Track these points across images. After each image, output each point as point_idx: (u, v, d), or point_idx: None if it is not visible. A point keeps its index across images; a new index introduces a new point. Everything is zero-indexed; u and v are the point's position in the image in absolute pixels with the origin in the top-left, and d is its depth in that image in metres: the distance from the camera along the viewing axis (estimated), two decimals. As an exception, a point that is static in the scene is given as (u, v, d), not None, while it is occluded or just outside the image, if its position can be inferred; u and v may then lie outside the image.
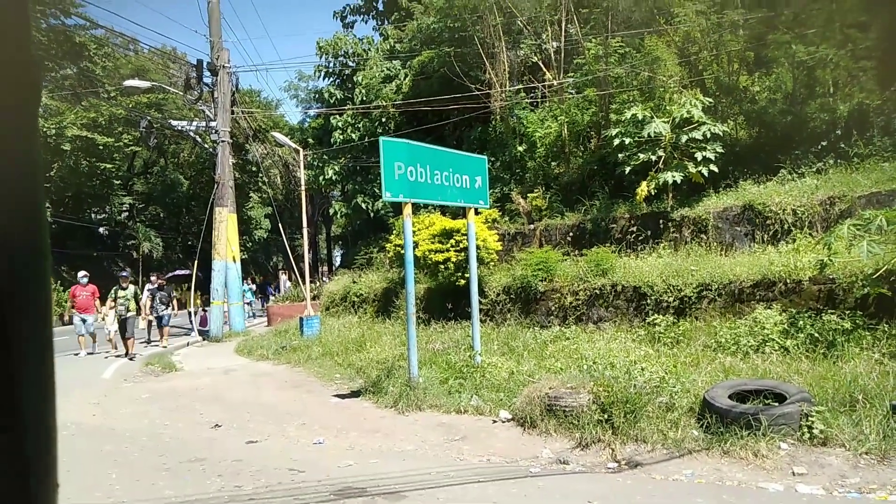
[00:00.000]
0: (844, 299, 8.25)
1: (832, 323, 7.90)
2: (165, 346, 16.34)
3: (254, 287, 31.15)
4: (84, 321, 15.09)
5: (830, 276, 8.43)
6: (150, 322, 17.02)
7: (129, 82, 19.95)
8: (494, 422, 7.25)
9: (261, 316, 26.78)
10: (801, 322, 8.18)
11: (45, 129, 27.49)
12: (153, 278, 17.28)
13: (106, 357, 14.66)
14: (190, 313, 20.72)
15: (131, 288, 14.63)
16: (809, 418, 5.58)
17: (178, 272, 26.59)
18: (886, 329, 7.55)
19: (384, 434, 7.12)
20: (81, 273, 15.39)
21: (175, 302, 20.96)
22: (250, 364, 13.18)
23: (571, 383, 6.88)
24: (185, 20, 72.99)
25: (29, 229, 0.56)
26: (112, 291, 14.58)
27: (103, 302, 15.45)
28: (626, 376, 7.20)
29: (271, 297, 30.24)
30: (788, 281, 8.93)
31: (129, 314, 14.23)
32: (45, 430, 0.62)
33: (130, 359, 14.03)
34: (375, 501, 4.99)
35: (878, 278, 7.56)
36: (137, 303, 14.63)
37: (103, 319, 15.54)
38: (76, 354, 14.96)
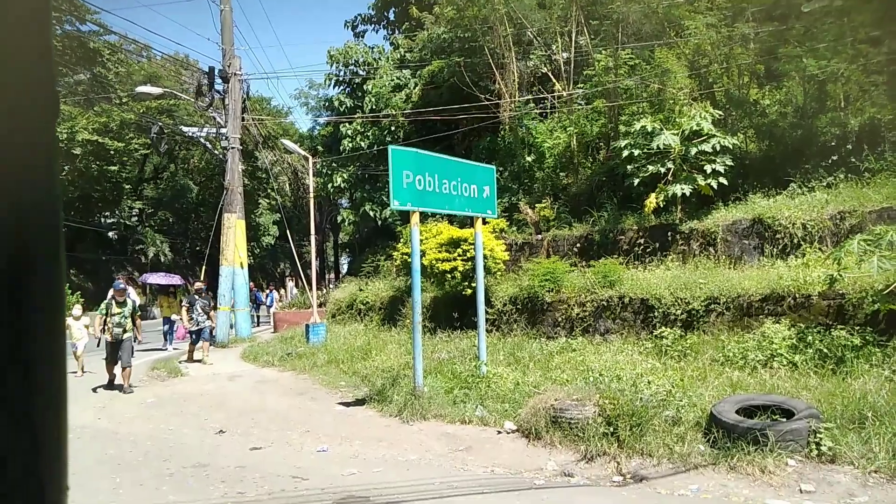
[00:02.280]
0: (854, 315, 8.17)
1: (841, 339, 7.83)
2: (209, 362, 14.05)
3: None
4: None
5: (840, 292, 8.36)
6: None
7: (140, 88, 20.12)
8: (499, 433, 7.21)
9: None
10: (809, 337, 8.11)
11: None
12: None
13: (95, 390, 11.06)
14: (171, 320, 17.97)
15: (130, 302, 11.08)
16: (818, 435, 5.52)
17: (162, 279, 21.80)
18: (897, 346, 7.48)
19: (388, 443, 7.09)
20: None
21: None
22: (255, 370, 13.18)
23: (577, 395, 6.84)
24: (198, 27, 73.63)
25: (46, 229, 0.59)
26: (103, 306, 11.12)
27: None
28: (632, 389, 7.16)
29: (267, 308, 27.39)
30: (797, 295, 8.86)
31: (125, 335, 10.81)
32: (56, 430, 0.62)
33: (125, 391, 10.75)
34: (378, 511, 4.97)
35: (888, 294, 7.49)
36: (135, 321, 11.13)
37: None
38: None
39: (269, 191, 38.48)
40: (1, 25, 0.52)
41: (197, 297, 14.37)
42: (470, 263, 12.44)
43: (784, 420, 5.83)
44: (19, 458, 0.59)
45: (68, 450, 0.64)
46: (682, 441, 6.05)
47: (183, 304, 14.52)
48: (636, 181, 12.60)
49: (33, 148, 0.55)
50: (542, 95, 18.25)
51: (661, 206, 12.39)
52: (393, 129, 22.37)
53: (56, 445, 0.63)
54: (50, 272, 0.58)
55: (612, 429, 6.28)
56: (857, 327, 7.95)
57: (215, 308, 15.94)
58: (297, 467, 6.23)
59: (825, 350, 7.85)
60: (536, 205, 15.54)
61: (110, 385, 11.13)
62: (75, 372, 12.20)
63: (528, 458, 6.36)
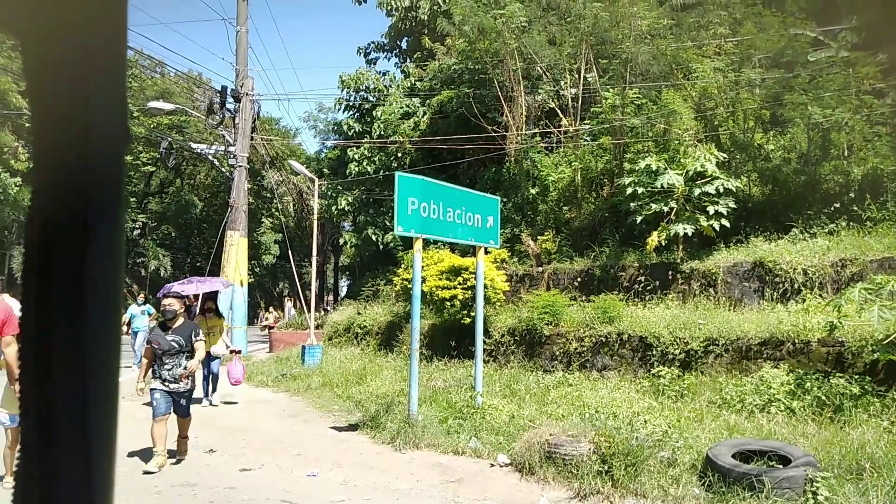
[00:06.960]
0: (853, 363, 8.14)
1: (840, 387, 7.79)
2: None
3: (145, 310, 17.02)
4: None
5: (840, 339, 8.34)
6: None
7: (153, 103, 20.35)
8: (492, 465, 7.13)
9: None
10: (808, 384, 8.07)
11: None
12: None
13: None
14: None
15: None
16: (814, 484, 5.45)
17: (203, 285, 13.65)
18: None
19: (380, 470, 7.01)
20: None
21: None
22: (249, 390, 13.08)
23: (572, 431, 6.78)
24: (213, 47, 74.65)
25: (111, 237, 0.56)
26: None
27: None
28: (628, 427, 7.09)
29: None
30: (797, 341, 8.84)
31: None
32: (108, 449, 0.54)
33: None
34: (366, 540, 4.89)
35: (888, 344, 7.47)
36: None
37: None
38: None
39: (273, 210, 38.64)
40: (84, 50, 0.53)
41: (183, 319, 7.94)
42: (470, 292, 12.43)
43: (781, 467, 5.76)
44: (71, 486, 0.50)
45: (114, 472, 0.54)
46: (676, 483, 5.97)
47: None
48: (639, 219, 12.66)
49: (107, 175, 0.55)
50: (548, 130, 18.43)
51: (663, 244, 12.42)
52: (400, 155, 22.56)
53: (107, 467, 0.53)
54: (107, 304, 0.55)
55: (606, 467, 6.21)
56: (856, 376, 7.91)
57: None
58: (286, 491, 6.16)
59: (823, 397, 7.80)
60: (539, 237, 15.58)
61: None
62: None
63: (521, 493, 6.27)
